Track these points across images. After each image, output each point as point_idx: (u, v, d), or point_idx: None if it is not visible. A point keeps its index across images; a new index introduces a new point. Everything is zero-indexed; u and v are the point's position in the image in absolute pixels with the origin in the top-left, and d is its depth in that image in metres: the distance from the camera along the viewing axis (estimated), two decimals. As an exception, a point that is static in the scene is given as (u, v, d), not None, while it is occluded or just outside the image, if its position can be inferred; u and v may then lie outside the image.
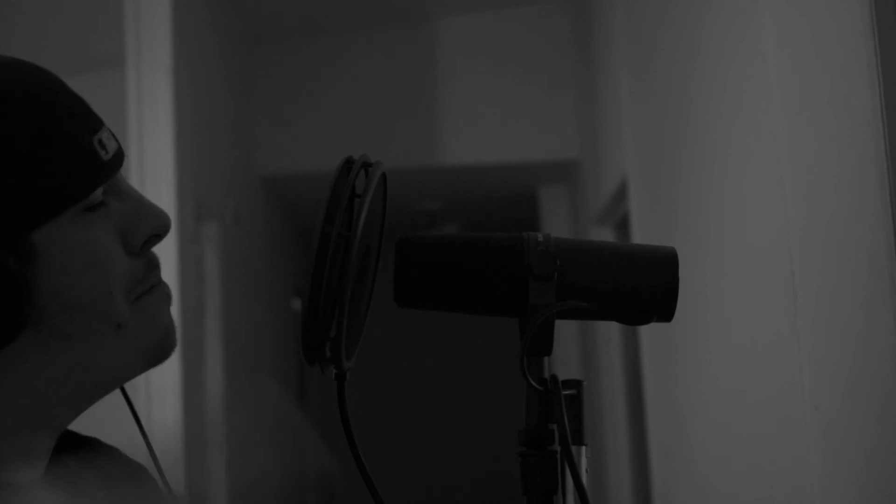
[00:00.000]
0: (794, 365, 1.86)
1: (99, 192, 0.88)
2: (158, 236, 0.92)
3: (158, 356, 0.92)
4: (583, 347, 4.95)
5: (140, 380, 3.21)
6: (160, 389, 3.14)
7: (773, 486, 2.05)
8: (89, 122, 0.88)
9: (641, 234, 3.32)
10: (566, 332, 4.76)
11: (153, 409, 3.16)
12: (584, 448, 0.90)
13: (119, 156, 0.90)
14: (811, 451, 1.79)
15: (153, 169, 3.24)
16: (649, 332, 3.24)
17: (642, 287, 0.92)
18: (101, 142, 0.88)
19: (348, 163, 0.88)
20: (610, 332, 4.25)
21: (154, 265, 0.92)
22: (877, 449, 1.54)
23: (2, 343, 0.83)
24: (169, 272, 3.13)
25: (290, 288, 5.76)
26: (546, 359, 0.90)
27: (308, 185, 5.06)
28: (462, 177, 5.40)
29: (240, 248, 4.37)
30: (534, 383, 0.89)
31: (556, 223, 5.33)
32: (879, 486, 1.53)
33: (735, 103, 2.25)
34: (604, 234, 4.36)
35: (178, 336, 0.94)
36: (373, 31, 4.99)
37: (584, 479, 0.88)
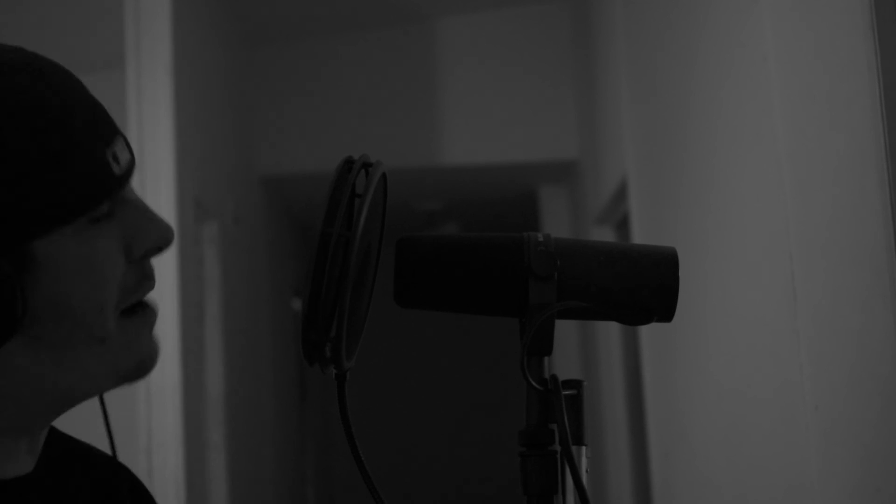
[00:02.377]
0: (794, 365, 1.86)
1: (106, 204, 0.87)
2: (160, 249, 0.91)
3: (135, 376, 0.92)
4: (583, 347, 4.95)
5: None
6: (160, 389, 3.14)
7: (773, 486, 2.05)
8: (104, 132, 0.87)
9: (641, 234, 3.32)
10: (566, 332, 4.76)
11: (153, 408, 3.15)
12: (584, 448, 0.90)
13: (130, 167, 0.89)
14: (811, 451, 1.79)
15: (153, 169, 3.24)
16: (649, 332, 3.24)
17: (642, 287, 0.92)
18: (114, 155, 0.87)
19: (348, 163, 0.88)
20: (610, 332, 4.25)
21: (148, 276, 0.91)
22: (877, 449, 1.54)
23: None
24: (169, 272, 3.13)
25: (290, 288, 5.76)
26: (546, 359, 0.90)
27: (308, 185, 5.06)
28: (462, 177, 5.40)
29: (240, 248, 4.38)
30: (534, 383, 0.89)
31: (556, 223, 5.33)
32: (879, 486, 1.53)
33: (735, 103, 2.25)
34: (604, 234, 4.36)
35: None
36: (373, 31, 4.99)
37: (584, 479, 0.88)
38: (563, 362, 4.85)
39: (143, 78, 3.26)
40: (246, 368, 4.38)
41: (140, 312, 0.91)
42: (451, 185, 5.72)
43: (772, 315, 2.00)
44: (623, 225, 4.00)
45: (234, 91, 4.62)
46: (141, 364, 0.92)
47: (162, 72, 3.27)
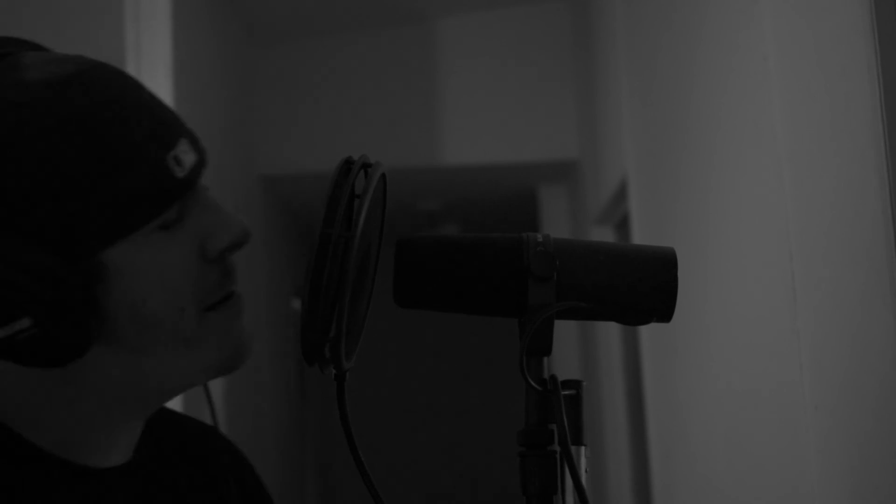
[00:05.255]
0: (794, 365, 1.86)
1: (174, 209, 0.87)
2: (237, 246, 0.91)
3: (228, 368, 0.93)
4: (583, 347, 4.94)
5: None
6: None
7: (772, 486, 2.05)
8: (164, 136, 0.87)
9: (641, 234, 3.32)
10: (566, 332, 4.76)
11: (153, 409, 3.15)
12: (583, 448, 0.90)
13: (197, 169, 0.89)
14: (811, 451, 1.79)
15: (153, 169, 3.24)
16: (649, 332, 3.24)
17: (642, 287, 0.92)
18: (176, 158, 0.87)
19: (348, 163, 0.88)
20: (610, 332, 4.25)
21: (228, 273, 0.92)
22: (876, 449, 1.54)
23: (73, 358, 0.84)
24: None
25: (290, 288, 5.76)
26: (546, 359, 0.90)
27: (308, 185, 5.06)
28: (462, 177, 5.40)
29: (240, 248, 4.37)
30: (533, 383, 0.89)
31: (556, 223, 5.32)
32: (879, 486, 1.53)
33: (735, 103, 2.25)
34: (604, 234, 4.36)
35: (252, 346, 0.95)
36: (373, 31, 4.99)
37: (584, 479, 0.87)
38: (563, 362, 4.84)
39: (143, 78, 3.26)
40: (246, 368, 4.37)
41: (226, 304, 0.92)
42: (451, 185, 5.72)
43: (772, 315, 2.00)
44: (623, 225, 4.00)
45: (234, 91, 4.61)
46: (232, 356, 0.93)
47: (162, 72, 3.27)
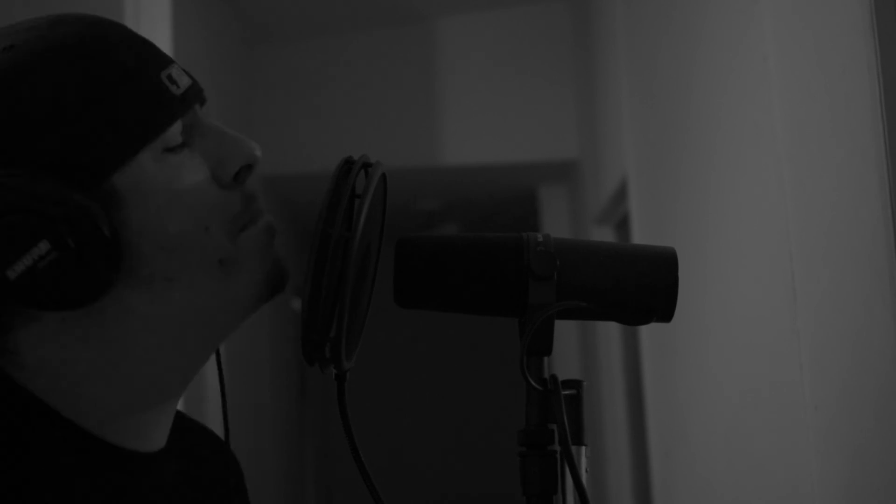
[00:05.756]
0: (794, 365, 1.86)
1: (177, 129, 0.87)
2: (250, 167, 0.90)
3: (270, 289, 0.91)
4: (583, 347, 4.95)
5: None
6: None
7: (772, 486, 2.05)
8: (156, 59, 0.87)
9: (641, 234, 3.32)
10: (566, 332, 4.76)
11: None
12: (583, 448, 0.90)
13: (194, 91, 0.89)
14: (811, 451, 1.79)
15: (153, 169, 3.24)
16: (649, 332, 3.24)
17: (642, 287, 0.92)
18: (170, 77, 0.87)
19: (348, 163, 0.88)
20: (610, 332, 4.25)
21: (252, 196, 0.90)
22: (876, 449, 1.54)
23: (99, 290, 0.82)
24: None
25: (291, 288, 5.75)
26: (546, 359, 0.90)
27: (308, 185, 5.06)
28: (462, 177, 5.40)
29: (240, 248, 4.37)
30: (533, 383, 0.89)
31: (556, 223, 5.33)
32: (879, 486, 1.53)
33: (735, 103, 2.25)
34: (604, 234, 4.36)
35: (288, 267, 0.93)
36: (373, 31, 4.99)
37: (584, 479, 0.88)
38: (563, 362, 4.85)
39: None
40: (246, 368, 4.38)
41: (257, 225, 0.90)
42: (450, 185, 5.72)
43: (772, 315, 2.00)
44: (623, 225, 4.00)
45: (234, 91, 4.62)
46: (269, 275, 0.91)
47: (162, 72, 3.27)
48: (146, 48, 0.88)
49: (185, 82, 0.88)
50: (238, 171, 0.89)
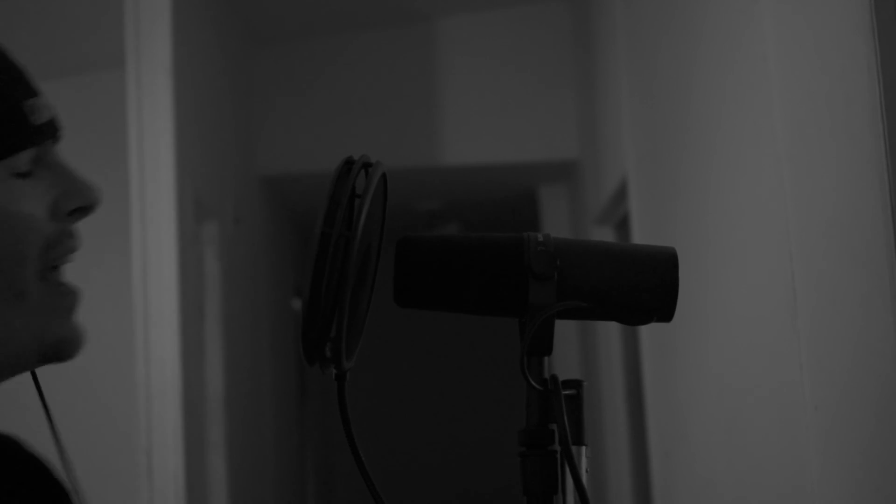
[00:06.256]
0: (794, 365, 1.86)
1: (27, 157, 0.88)
2: (87, 209, 0.91)
3: (56, 350, 0.89)
4: (583, 347, 4.95)
5: (140, 379, 3.21)
6: (160, 389, 3.14)
7: (773, 486, 2.05)
8: (24, 88, 0.89)
9: (641, 234, 3.32)
10: (566, 332, 4.76)
11: (153, 408, 3.15)
12: (584, 448, 0.90)
13: (52, 126, 0.90)
14: (811, 451, 1.79)
15: (153, 169, 3.24)
16: (649, 332, 3.24)
17: (642, 287, 0.92)
18: (32, 107, 0.88)
19: (348, 163, 0.88)
20: (610, 332, 4.25)
21: (70, 234, 0.91)
22: (877, 449, 1.54)
23: None
24: (169, 272, 3.13)
25: (290, 288, 5.76)
26: (546, 359, 0.90)
27: (308, 185, 5.06)
28: (462, 177, 5.40)
29: (240, 248, 4.37)
30: (534, 383, 0.89)
31: (556, 223, 5.33)
32: (879, 486, 1.53)
33: (735, 103, 2.25)
34: (604, 234, 4.36)
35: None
36: (373, 31, 4.99)
37: (584, 479, 0.88)
38: (563, 362, 4.85)
39: (143, 78, 3.26)
40: (246, 368, 4.38)
41: (64, 288, 0.90)
42: (451, 185, 5.72)
43: (772, 315, 2.00)
44: (623, 225, 4.00)
45: (234, 91, 4.61)
46: (60, 334, 0.89)
47: (162, 72, 3.27)
48: (17, 76, 0.89)
49: (45, 116, 0.89)
50: (76, 209, 0.90)
